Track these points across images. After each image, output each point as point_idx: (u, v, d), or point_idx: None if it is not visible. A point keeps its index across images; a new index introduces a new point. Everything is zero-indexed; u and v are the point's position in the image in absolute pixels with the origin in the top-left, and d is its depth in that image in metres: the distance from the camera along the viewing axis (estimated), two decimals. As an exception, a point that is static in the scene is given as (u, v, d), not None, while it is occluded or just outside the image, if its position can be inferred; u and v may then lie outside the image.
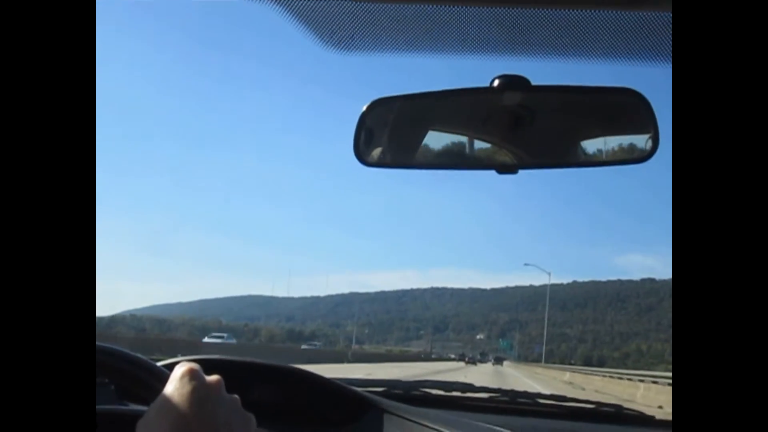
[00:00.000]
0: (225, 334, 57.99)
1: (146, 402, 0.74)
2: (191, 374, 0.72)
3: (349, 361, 38.81)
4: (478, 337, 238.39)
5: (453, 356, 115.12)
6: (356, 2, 0.74)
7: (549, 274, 77.41)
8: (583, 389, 23.18)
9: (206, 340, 43.76)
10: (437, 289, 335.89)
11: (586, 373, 34.27)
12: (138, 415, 0.71)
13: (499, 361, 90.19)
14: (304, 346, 68.06)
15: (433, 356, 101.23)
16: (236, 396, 0.75)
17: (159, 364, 0.80)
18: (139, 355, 0.82)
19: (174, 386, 0.71)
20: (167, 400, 0.70)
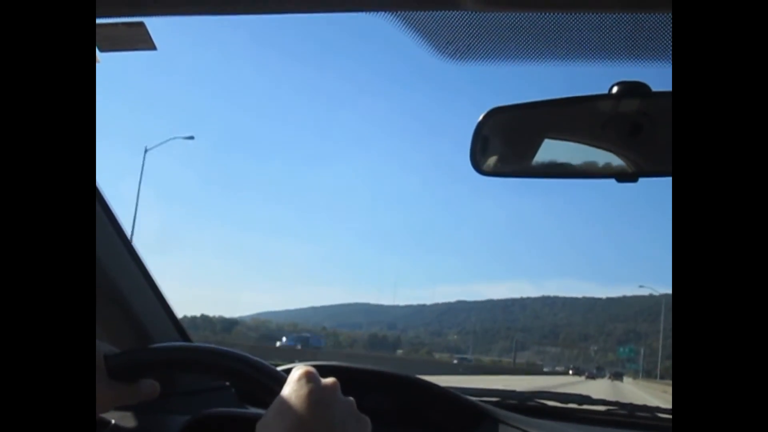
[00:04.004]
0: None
1: (266, 405, 0.76)
2: (308, 377, 0.74)
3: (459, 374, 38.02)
4: (591, 348, 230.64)
5: (560, 369, 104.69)
6: (473, 12, 0.75)
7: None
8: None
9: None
10: (548, 297, 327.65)
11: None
12: (257, 418, 0.74)
13: (618, 376, 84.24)
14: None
15: (523, 368, 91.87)
16: (351, 398, 0.77)
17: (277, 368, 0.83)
18: (259, 359, 0.84)
19: (291, 388, 0.73)
20: (285, 402, 0.72)
